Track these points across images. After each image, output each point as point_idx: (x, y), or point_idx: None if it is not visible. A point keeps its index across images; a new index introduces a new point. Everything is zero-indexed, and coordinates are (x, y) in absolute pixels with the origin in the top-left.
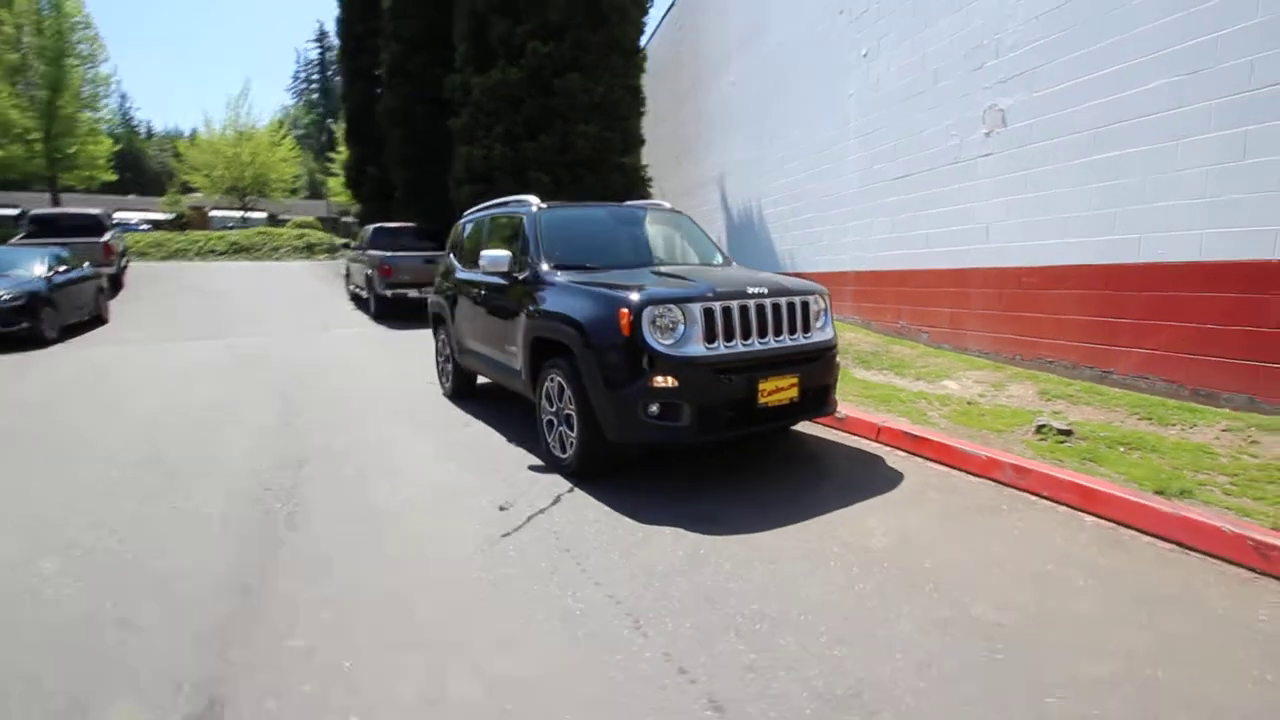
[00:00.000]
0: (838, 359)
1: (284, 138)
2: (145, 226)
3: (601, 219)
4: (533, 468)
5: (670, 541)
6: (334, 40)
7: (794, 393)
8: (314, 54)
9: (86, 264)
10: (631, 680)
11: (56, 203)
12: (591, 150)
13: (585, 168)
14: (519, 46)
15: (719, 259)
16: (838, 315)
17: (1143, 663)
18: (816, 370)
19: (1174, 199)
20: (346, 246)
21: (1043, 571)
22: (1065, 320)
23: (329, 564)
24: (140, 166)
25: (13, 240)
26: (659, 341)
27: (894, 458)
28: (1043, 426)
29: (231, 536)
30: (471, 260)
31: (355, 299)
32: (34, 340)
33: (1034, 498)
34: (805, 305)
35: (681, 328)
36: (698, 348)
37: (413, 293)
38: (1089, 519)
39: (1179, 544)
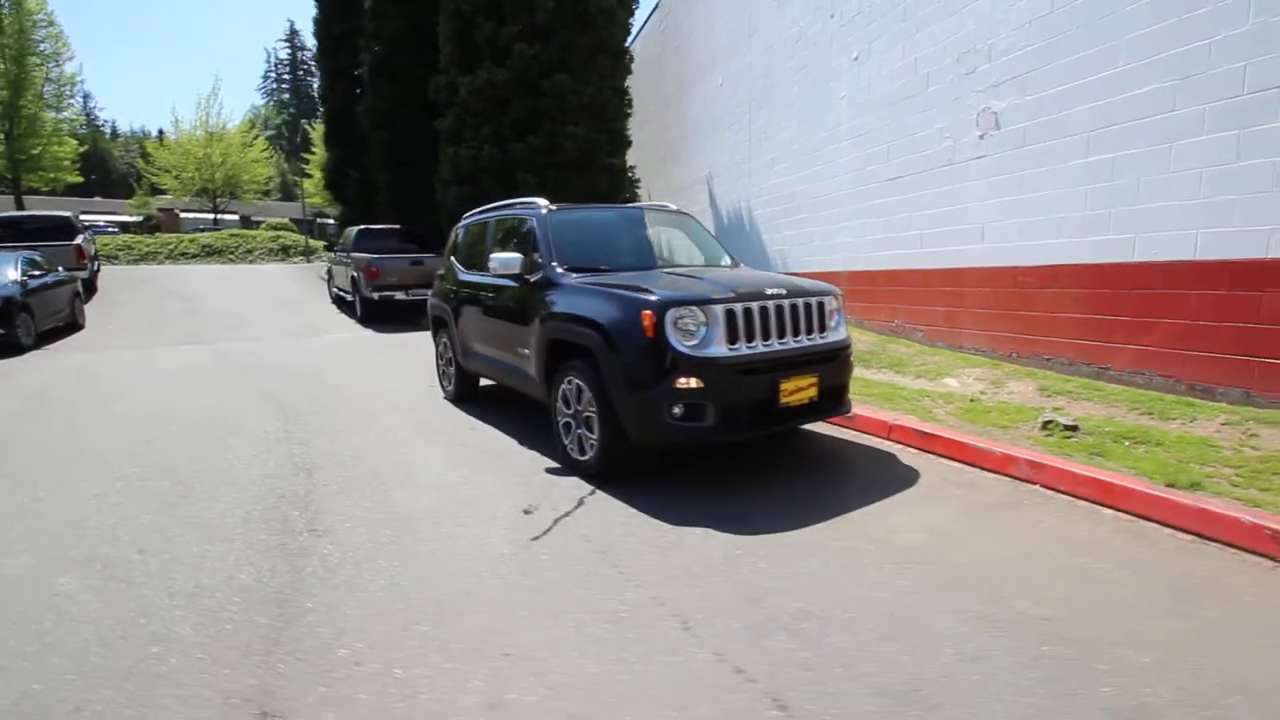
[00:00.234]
0: (851, 359)
1: (256, 138)
2: (113, 229)
3: (611, 220)
4: (549, 470)
5: (702, 542)
6: (305, 40)
7: (813, 392)
8: (285, 53)
9: (61, 268)
10: (690, 681)
11: (20, 205)
12: (579, 151)
13: (573, 169)
14: (505, 48)
15: (726, 260)
16: None
17: (1187, 650)
18: (833, 370)
19: (1168, 200)
20: (331, 248)
21: (1075, 564)
22: (1061, 318)
23: (360, 571)
24: (106, 168)
25: None
26: (682, 343)
27: (907, 455)
28: (1049, 422)
29: (254, 546)
30: (475, 263)
31: (339, 302)
32: (9, 348)
33: (1051, 492)
34: (821, 305)
35: (704, 329)
36: (721, 349)
37: (400, 295)
38: (1108, 512)
39: (1198, 535)
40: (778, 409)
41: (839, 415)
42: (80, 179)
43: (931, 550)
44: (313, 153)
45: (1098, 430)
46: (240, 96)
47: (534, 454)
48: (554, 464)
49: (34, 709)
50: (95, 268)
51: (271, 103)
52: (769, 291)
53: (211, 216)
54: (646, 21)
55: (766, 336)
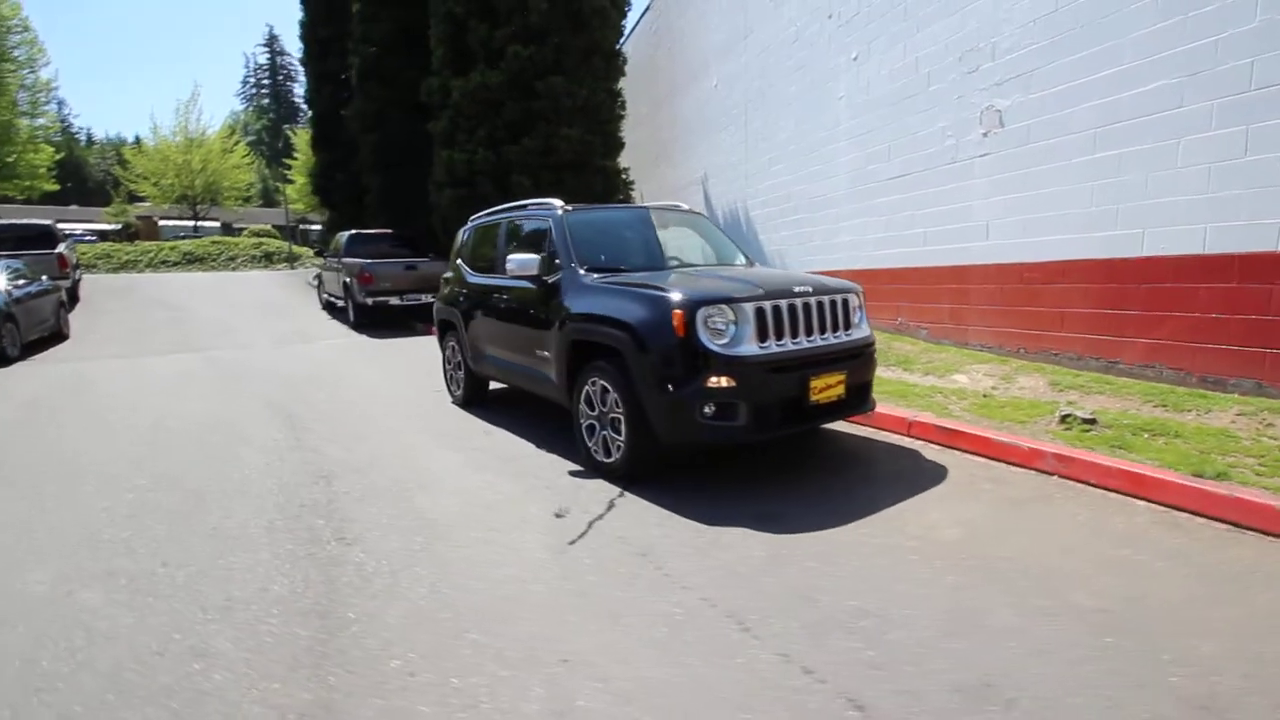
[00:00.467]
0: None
1: (236, 144)
2: (90, 238)
3: (626, 221)
4: (573, 473)
5: (742, 541)
6: (285, 45)
7: (841, 390)
8: (264, 59)
9: (45, 277)
10: (760, 682)
11: None
12: (574, 153)
13: (568, 171)
14: (498, 50)
15: (741, 259)
16: None
17: (1246, 638)
18: (859, 367)
19: (1176, 195)
20: (321, 254)
21: (1118, 556)
22: (1069, 313)
23: (398, 579)
24: (81, 175)
25: None
26: (713, 342)
27: (930, 451)
28: (1067, 416)
29: (283, 557)
30: (485, 265)
31: (329, 308)
32: None
33: (1081, 485)
34: (845, 302)
35: (733, 327)
36: (751, 347)
37: (394, 300)
38: (1140, 503)
39: (1233, 524)
40: (807, 407)
41: (864, 413)
42: (57, 187)
43: (972, 545)
44: (295, 158)
45: (1116, 423)
46: (219, 102)
47: (554, 457)
48: (576, 466)
49: None
50: (77, 277)
51: (251, 108)
52: (796, 289)
53: (192, 223)
54: (637, 23)
55: (795, 334)
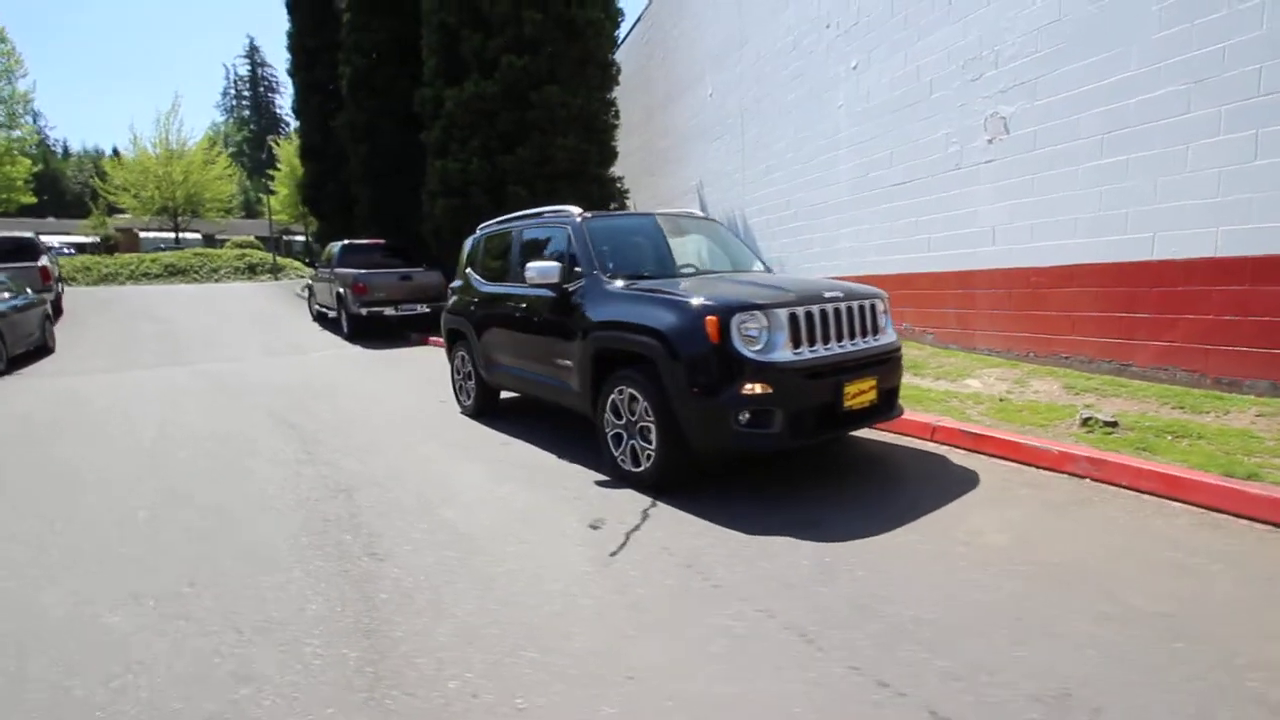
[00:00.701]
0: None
1: (218, 155)
2: (69, 250)
3: (643, 227)
4: (599, 483)
5: (788, 551)
6: (266, 56)
7: (873, 395)
8: (245, 70)
9: (29, 290)
10: (837, 696)
11: None
12: (570, 163)
13: (563, 180)
14: (492, 60)
15: (759, 265)
16: None
17: None
18: (888, 372)
19: (1186, 199)
20: (312, 264)
21: (1168, 559)
22: (1079, 317)
23: (440, 595)
24: (59, 188)
25: None
26: (748, 348)
27: (956, 456)
28: (1089, 419)
29: (315, 574)
30: (498, 274)
31: (320, 319)
32: None
33: (1114, 488)
34: (873, 307)
35: (766, 333)
36: (786, 353)
37: (389, 311)
38: (1177, 505)
39: (1273, 525)
40: (841, 413)
41: (892, 419)
42: (34, 199)
43: (1022, 550)
44: (278, 169)
45: (1137, 425)
46: (199, 113)
47: (577, 467)
48: (602, 476)
49: None
50: (60, 289)
51: (232, 119)
52: (827, 294)
53: (173, 235)
54: (629, 33)
55: (827, 340)
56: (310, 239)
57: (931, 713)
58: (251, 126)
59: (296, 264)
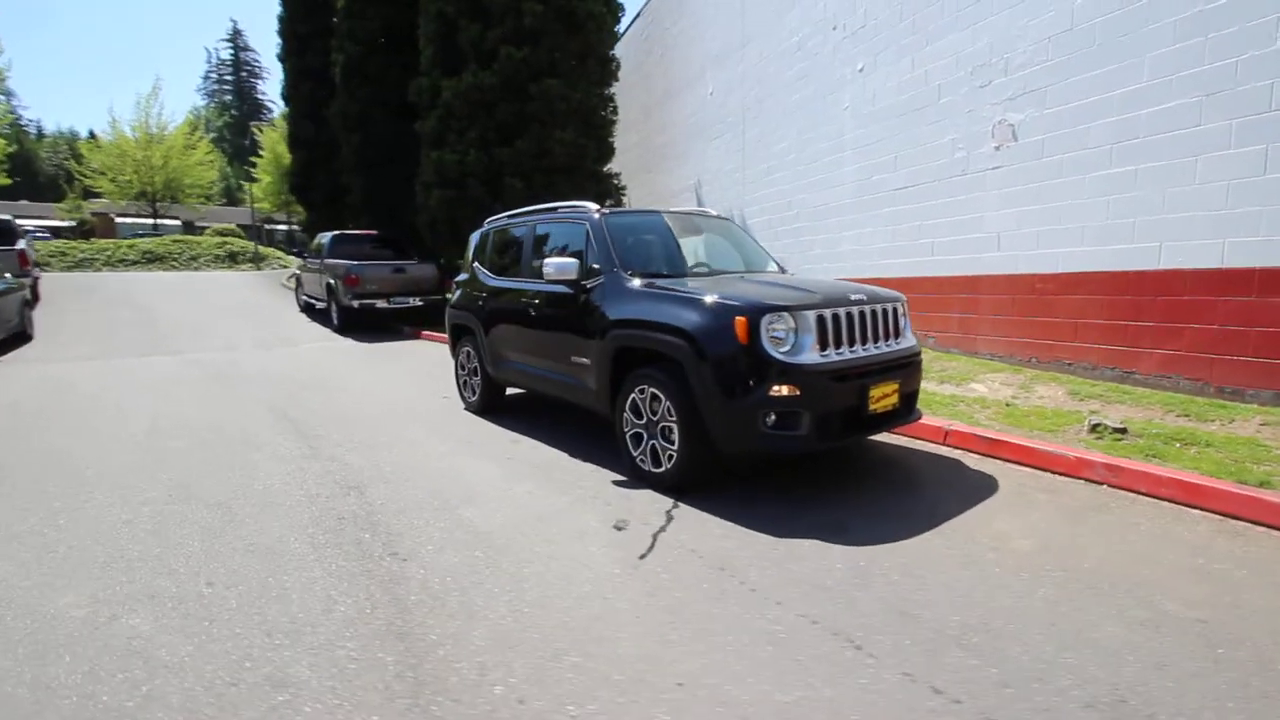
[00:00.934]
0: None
1: (199, 140)
2: (43, 234)
3: (661, 226)
4: (617, 482)
5: (818, 554)
6: (250, 40)
7: (895, 399)
8: (227, 54)
9: (7, 275)
10: (894, 704)
11: None
12: (568, 157)
13: (561, 174)
14: (490, 51)
15: (772, 265)
16: None
17: None
18: (910, 376)
19: (1194, 210)
20: (300, 254)
21: (1195, 565)
22: (1083, 324)
23: (470, 597)
24: (32, 170)
25: None
26: (776, 350)
27: (971, 460)
28: (1098, 425)
29: (337, 574)
30: (508, 269)
31: (308, 310)
32: None
33: (1133, 495)
34: (895, 311)
35: (794, 335)
36: (814, 355)
37: (381, 304)
38: (1195, 512)
39: None
40: (865, 416)
41: (912, 422)
42: (8, 181)
43: (1050, 556)
44: (261, 155)
45: (1145, 432)
46: (179, 97)
47: (592, 466)
48: (619, 475)
49: None
50: (36, 275)
51: (213, 104)
52: (852, 297)
53: (150, 221)
54: (628, 28)
55: (852, 343)
56: (296, 228)
57: None
58: (233, 112)
59: (279, 253)
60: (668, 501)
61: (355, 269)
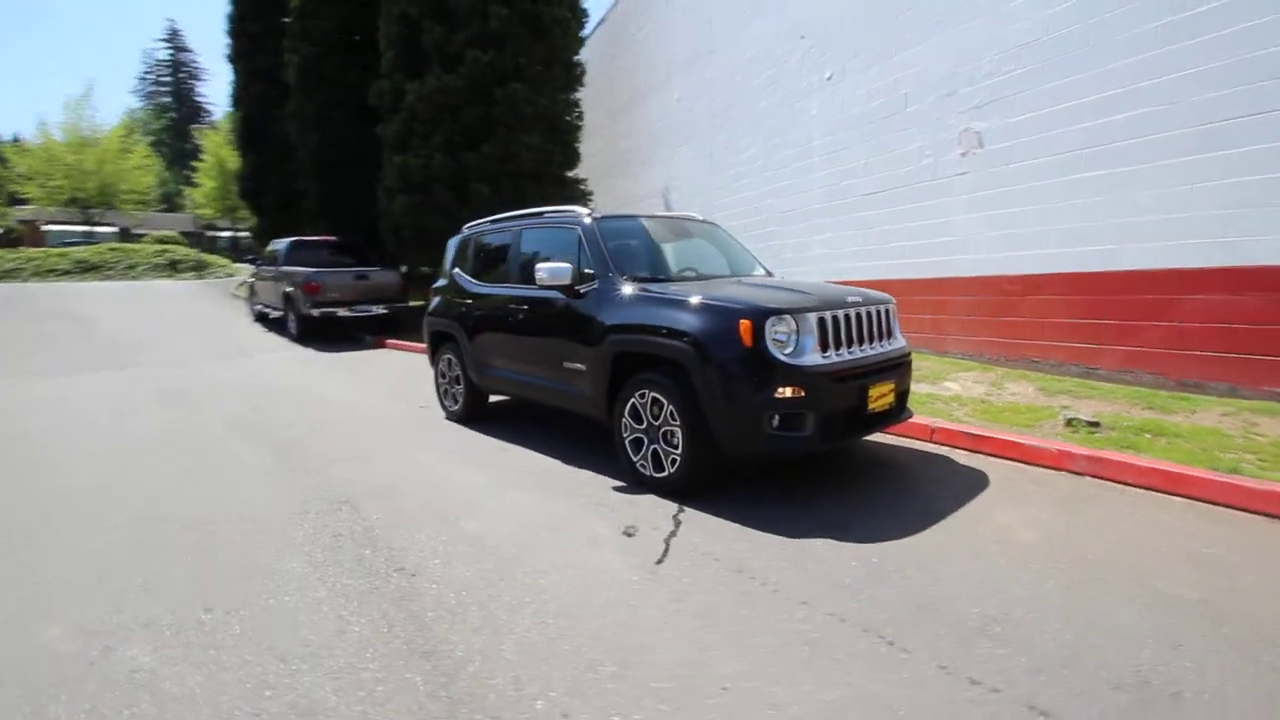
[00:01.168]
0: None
1: (135, 144)
2: None
3: (651, 230)
4: (617, 488)
5: (832, 553)
6: (188, 41)
7: (891, 398)
8: (165, 54)
9: None
10: (937, 697)
11: None
12: (535, 162)
13: (528, 179)
14: (455, 54)
15: (759, 270)
16: None
17: None
18: (903, 375)
19: (1154, 214)
20: (254, 261)
21: (1189, 550)
22: (1048, 323)
23: (490, 610)
24: None
25: None
26: (780, 352)
27: (958, 456)
28: (1073, 420)
29: (344, 593)
30: (492, 275)
31: (262, 320)
32: None
33: (1114, 484)
34: (887, 312)
35: (796, 337)
36: (816, 357)
37: (343, 311)
38: (1175, 500)
39: (1270, 515)
40: (865, 416)
41: (903, 421)
42: None
43: (1054, 547)
44: (202, 159)
45: (1117, 425)
46: (113, 99)
47: (588, 472)
48: (618, 481)
49: None
50: None
51: (150, 106)
52: (849, 299)
53: (81, 228)
54: (591, 34)
55: (850, 344)
56: (244, 234)
57: (1030, 707)
58: (172, 114)
59: (223, 261)
60: (672, 506)
61: (315, 276)
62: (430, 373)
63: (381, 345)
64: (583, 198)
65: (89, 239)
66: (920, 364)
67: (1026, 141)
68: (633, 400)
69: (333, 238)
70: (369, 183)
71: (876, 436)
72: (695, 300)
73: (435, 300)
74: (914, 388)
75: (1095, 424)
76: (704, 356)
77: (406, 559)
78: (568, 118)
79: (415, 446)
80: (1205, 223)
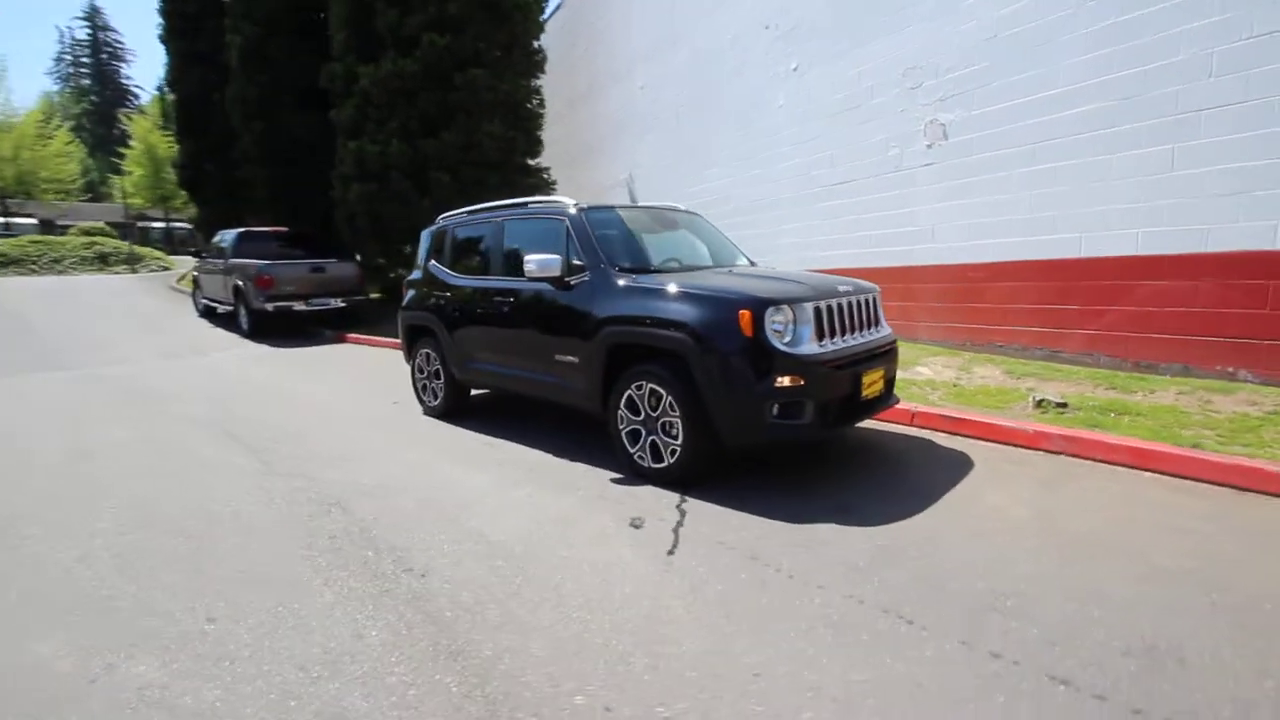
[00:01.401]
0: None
1: (56, 129)
2: None
3: (639, 220)
4: (615, 480)
5: (838, 536)
6: (109, 19)
7: (881, 385)
8: (84, 33)
9: None
10: (963, 670)
11: None
12: (497, 150)
13: (491, 168)
14: (411, 38)
15: (743, 260)
16: None
17: None
18: (891, 362)
19: (1110, 204)
20: (198, 254)
21: (1169, 523)
22: (1013, 309)
23: (508, 608)
24: None
25: None
26: (779, 342)
27: (939, 438)
28: (1041, 401)
29: (355, 596)
30: (473, 267)
31: (209, 314)
32: None
33: (1088, 461)
34: (874, 301)
35: (793, 327)
36: (813, 346)
37: (299, 305)
38: (1145, 474)
39: (1235, 487)
40: (859, 403)
41: (891, 406)
42: None
43: (1045, 523)
44: (131, 146)
45: (1083, 405)
46: (27, 80)
47: (582, 465)
48: (614, 474)
49: None
50: None
51: (68, 89)
52: (841, 289)
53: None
54: (548, 19)
55: (844, 332)
56: (183, 225)
57: (1051, 677)
58: (93, 98)
59: (158, 254)
60: (674, 496)
61: (267, 269)
62: (402, 367)
63: (342, 340)
64: (547, 186)
65: (7, 231)
66: None
67: (988, 134)
68: (629, 392)
69: (283, 229)
70: (321, 170)
71: (862, 422)
72: (692, 291)
73: (409, 293)
74: None
75: (1063, 404)
76: (704, 347)
77: (413, 559)
78: (529, 104)
79: (398, 444)
80: (1157, 212)
